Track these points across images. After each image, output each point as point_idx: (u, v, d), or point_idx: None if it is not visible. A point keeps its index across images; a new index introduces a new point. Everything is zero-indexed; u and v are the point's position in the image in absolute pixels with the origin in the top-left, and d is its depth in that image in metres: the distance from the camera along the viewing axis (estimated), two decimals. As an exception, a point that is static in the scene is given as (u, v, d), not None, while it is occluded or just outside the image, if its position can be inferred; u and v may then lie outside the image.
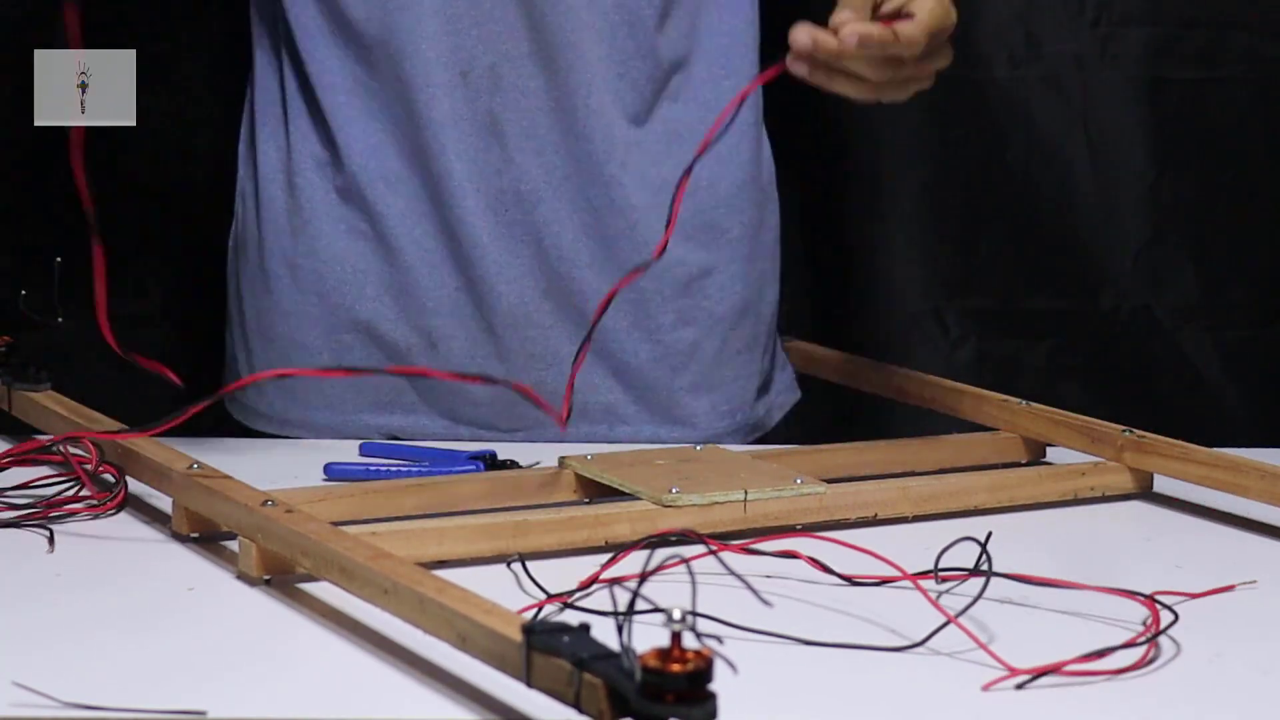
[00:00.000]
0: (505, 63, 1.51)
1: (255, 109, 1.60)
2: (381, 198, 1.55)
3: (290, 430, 1.60)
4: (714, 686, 0.80)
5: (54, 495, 1.28)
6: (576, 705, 0.84)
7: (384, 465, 1.45)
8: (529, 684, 0.88)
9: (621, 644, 0.82)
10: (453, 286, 1.55)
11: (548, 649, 0.86)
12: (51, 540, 1.22)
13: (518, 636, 0.89)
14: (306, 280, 1.58)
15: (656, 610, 0.81)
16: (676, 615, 0.80)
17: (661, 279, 1.57)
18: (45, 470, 1.33)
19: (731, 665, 0.81)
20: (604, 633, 0.86)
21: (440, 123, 1.52)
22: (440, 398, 1.58)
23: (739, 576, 0.90)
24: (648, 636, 0.82)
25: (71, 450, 1.32)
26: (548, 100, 1.52)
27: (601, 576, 1.11)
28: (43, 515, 1.26)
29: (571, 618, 0.95)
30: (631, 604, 0.81)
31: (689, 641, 0.81)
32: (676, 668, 0.80)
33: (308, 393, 1.59)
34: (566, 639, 0.87)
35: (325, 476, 1.42)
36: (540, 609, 1.08)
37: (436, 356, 1.56)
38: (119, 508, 1.29)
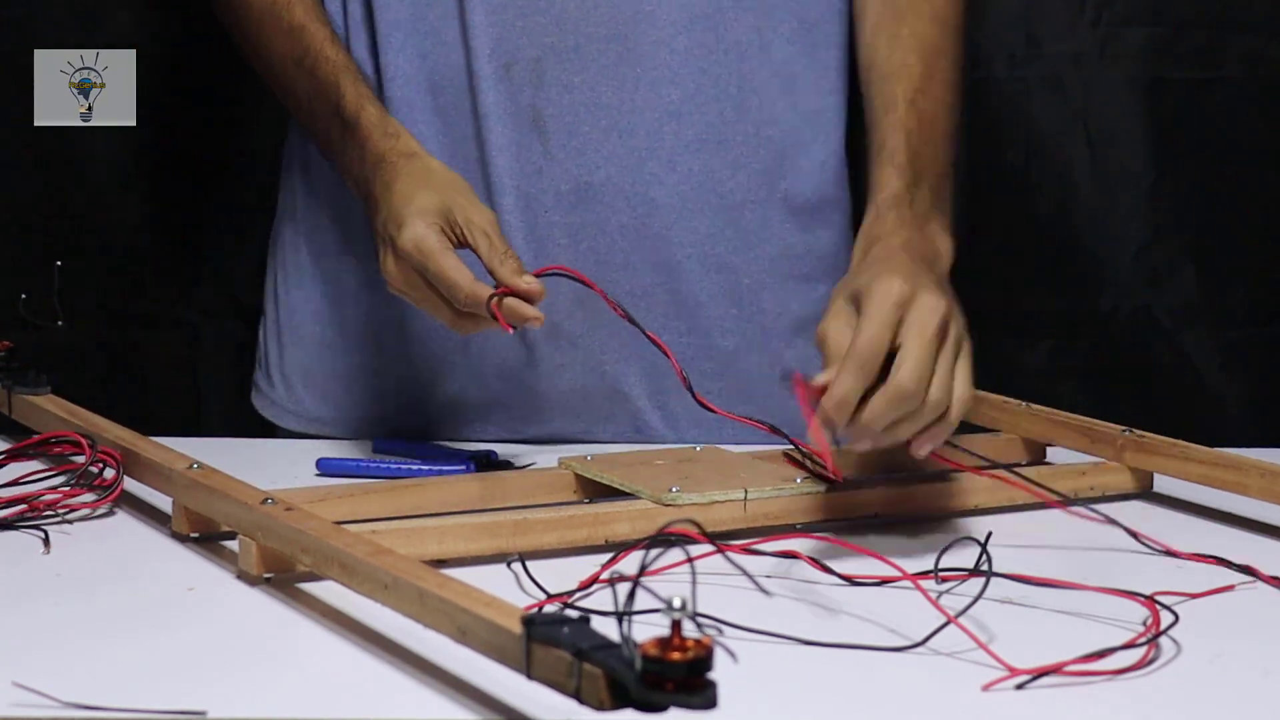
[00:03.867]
0: (550, 56, 1.49)
1: None
2: None
3: (320, 429, 1.58)
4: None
5: (49, 491, 1.28)
6: (577, 696, 0.84)
7: (377, 461, 1.44)
8: (529, 675, 0.88)
9: (621, 633, 0.82)
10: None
11: (547, 640, 0.86)
12: (46, 541, 1.22)
13: (518, 628, 0.88)
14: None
15: (657, 610, 0.81)
16: (676, 603, 0.80)
17: (716, 288, 1.55)
18: (41, 469, 1.34)
19: (731, 654, 0.81)
20: (604, 630, 0.86)
21: (484, 115, 1.49)
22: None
23: (738, 566, 0.90)
24: (648, 635, 0.82)
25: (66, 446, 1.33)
26: (590, 95, 1.50)
27: (601, 577, 1.11)
28: (31, 514, 1.26)
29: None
30: (632, 591, 0.81)
31: (689, 630, 0.81)
32: (677, 656, 0.80)
33: (339, 392, 1.58)
34: (566, 630, 0.86)
35: (318, 471, 1.41)
36: (540, 610, 1.07)
37: (468, 359, 1.54)
38: (116, 501, 1.30)
